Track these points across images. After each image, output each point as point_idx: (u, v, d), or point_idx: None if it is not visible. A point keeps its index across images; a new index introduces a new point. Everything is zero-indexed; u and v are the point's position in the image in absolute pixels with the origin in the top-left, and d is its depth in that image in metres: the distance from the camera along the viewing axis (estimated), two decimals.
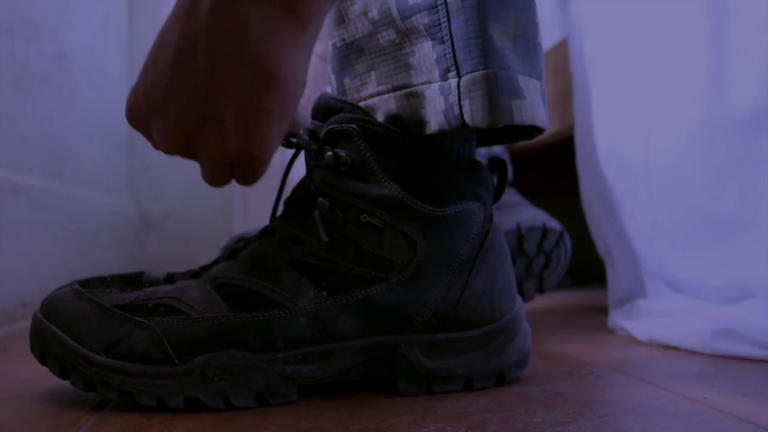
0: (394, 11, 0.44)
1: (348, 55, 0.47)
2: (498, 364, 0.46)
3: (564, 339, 0.68)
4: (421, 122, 0.44)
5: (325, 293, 0.43)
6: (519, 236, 0.74)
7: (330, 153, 0.44)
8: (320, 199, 0.44)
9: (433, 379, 0.45)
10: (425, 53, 0.43)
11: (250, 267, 0.44)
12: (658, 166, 0.71)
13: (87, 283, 0.45)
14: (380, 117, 0.45)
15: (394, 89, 0.45)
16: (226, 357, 0.41)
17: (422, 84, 0.44)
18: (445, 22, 0.42)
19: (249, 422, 0.38)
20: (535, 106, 0.44)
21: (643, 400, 0.42)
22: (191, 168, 1.88)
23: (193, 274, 0.46)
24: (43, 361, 0.43)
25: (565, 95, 0.93)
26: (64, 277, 1.04)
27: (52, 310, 0.43)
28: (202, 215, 1.59)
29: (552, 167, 1.18)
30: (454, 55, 0.42)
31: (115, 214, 1.38)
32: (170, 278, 0.46)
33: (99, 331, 0.41)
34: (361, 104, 0.46)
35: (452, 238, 0.45)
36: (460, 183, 0.45)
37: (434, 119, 0.43)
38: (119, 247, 1.38)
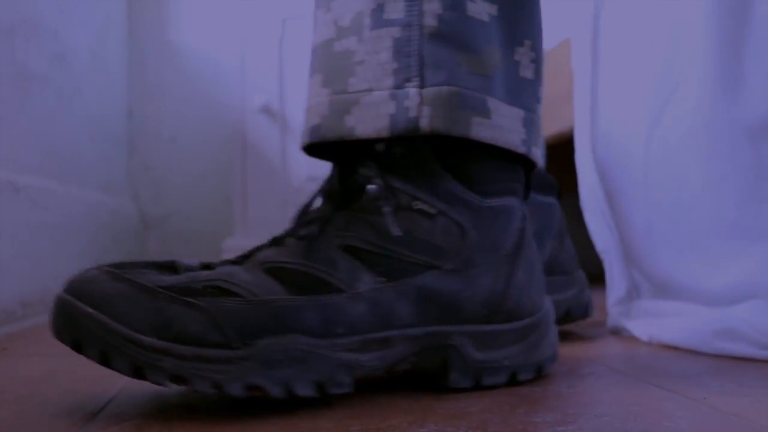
0: (366, 20, 0.45)
1: (312, 59, 0.49)
2: (537, 357, 0.47)
3: (564, 339, 0.68)
4: (342, 127, 0.45)
5: (382, 279, 0.43)
6: None
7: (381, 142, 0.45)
8: (370, 186, 0.44)
9: (482, 371, 0.45)
10: (380, 62, 0.44)
11: (301, 252, 0.43)
12: (658, 166, 0.71)
13: (119, 266, 0.41)
14: (316, 119, 0.46)
15: (337, 92, 0.46)
16: (289, 341, 0.39)
17: (359, 92, 0.45)
18: (417, 39, 0.44)
19: (249, 422, 0.38)
20: (503, 129, 0.46)
21: (643, 400, 0.42)
22: (191, 168, 1.87)
23: (233, 262, 0.44)
24: (77, 346, 0.38)
25: (566, 95, 0.93)
26: (64, 277, 1.04)
27: (82, 291, 0.38)
28: (202, 215, 1.59)
29: (553, 167, 1.18)
30: (421, 69, 0.44)
31: (115, 214, 1.38)
32: (207, 266, 0.44)
33: (144, 311, 0.38)
34: (310, 102, 0.48)
35: (498, 230, 0.46)
36: (504, 179, 0.47)
37: (367, 124, 0.44)
38: (119, 247, 1.38)
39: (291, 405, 0.41)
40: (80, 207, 1.15)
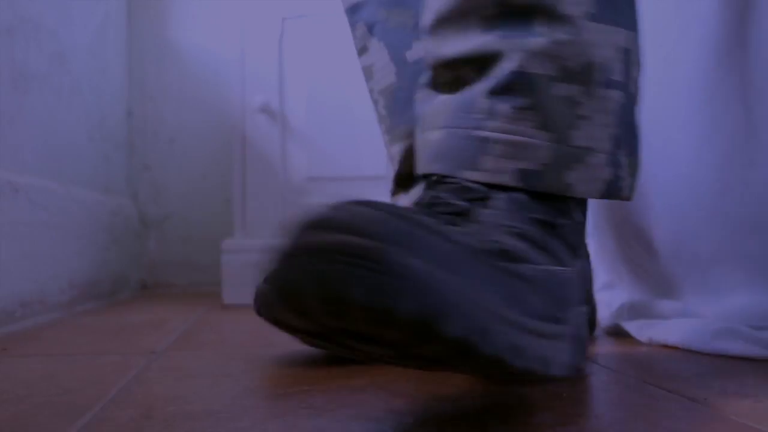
0: (597, 75, 0.43)
1: (517, 83, 0.43)
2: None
3: None
4: (561, 181, 0.43)
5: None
6: None
7: None
8: None
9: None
10: (604, 123, 0.44)
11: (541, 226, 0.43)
12: (646, 125, 0.70)
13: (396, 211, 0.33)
14: (532, 163, 0.43)
15: (558, 141, 0.43)
16: (581, 313, 0.44)
17: (582, 149, 0.43)
18: (631, 106, 0.45)
19: (249, 422, 0.38)
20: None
21: (643, 400, 0.42)
22: (191, 168, 1.87)
23: (447, 222, 0.39)
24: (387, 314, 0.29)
25: None
26: (63, 277, 1.04)
27: (396, 237, 0.31)
28: (202, 215, 1.59)
29: None
30: (630, 138, 0.46)
31: (115, 214, 1.38)
32: (453, 221, 0.40)
33: (491, 284, 0.35)
34: (510, 137, 0.43)
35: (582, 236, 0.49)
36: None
37: (585, 185, 0.43)
38: (119, 247, 1.38)
39: (291, 405, 0.42)
40: (80, 207, 1.15)
